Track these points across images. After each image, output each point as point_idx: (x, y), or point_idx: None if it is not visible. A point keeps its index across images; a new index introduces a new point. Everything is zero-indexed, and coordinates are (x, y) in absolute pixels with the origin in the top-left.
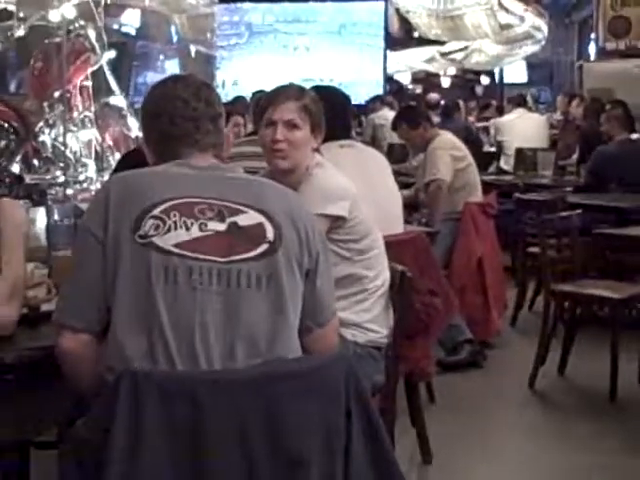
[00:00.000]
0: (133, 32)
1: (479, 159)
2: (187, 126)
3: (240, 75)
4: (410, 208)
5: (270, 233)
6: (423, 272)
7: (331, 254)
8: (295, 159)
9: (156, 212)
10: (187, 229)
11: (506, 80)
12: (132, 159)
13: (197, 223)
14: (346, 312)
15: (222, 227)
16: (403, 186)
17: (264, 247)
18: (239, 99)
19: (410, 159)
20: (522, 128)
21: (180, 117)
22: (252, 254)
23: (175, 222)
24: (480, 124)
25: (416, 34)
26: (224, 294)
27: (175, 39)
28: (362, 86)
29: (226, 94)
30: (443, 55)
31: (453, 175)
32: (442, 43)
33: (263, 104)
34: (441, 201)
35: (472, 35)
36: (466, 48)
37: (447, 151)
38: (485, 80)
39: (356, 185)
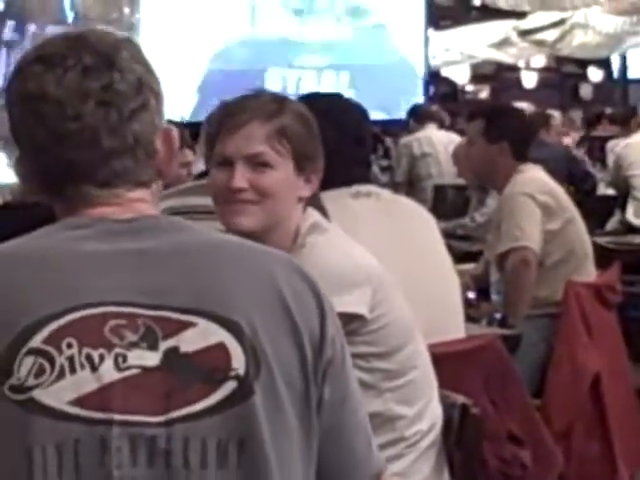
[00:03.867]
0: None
1: (590, 209)
2: (63, 149)
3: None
4: (477, 296)
5: (238, 359)
6: (500, 405)
7: None
8: (267, 216)
9: (36, 342)
10: (93, 369)
11: (631, 75)
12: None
13: (111, 355)
14: None
15: (154, 359)
16: (462, 258)
17: (229, 388)
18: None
19: (472, 210)
20: None
21: (51, 134)
22: (206, 404)
23: (71, 359)
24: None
25: (477, 1)
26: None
27: (70, 18)
28: (388, 88)
29: None
30: (524, 35)
31: (544, 240)
32: (521, 15)
33: (212, 129)
34: (528, 284)
35: (571, 0)
36: (562, 22)
37: (536, 198)
38: (596, 75)
39: (382, 261)
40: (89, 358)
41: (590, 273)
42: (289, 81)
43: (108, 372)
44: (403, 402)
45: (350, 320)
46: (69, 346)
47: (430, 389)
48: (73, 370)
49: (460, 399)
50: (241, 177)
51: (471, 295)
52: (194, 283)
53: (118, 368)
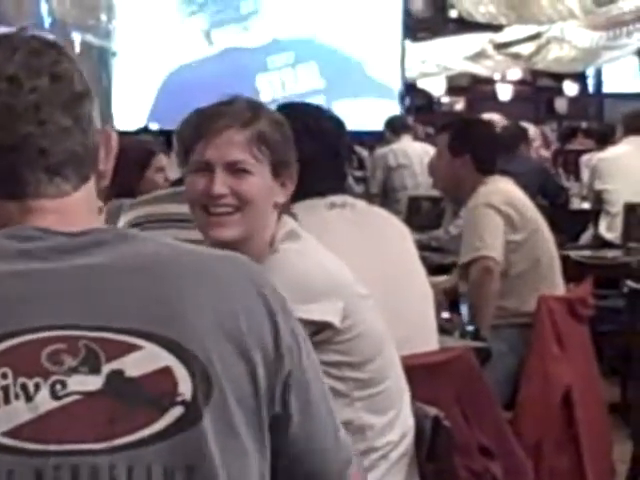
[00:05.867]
0: None
1: (564, 223)
2: (20, 125)
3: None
4: (449, 306)
5: (185, 384)
6: (471, 417)
7: None
8: (248, 225)
9: None
10: (28, 399)
11: (607, 89)
12: None
13: (47, 384)
14: None
15: (95, 383)
16: (435, 269)
17: (175, 414)
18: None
19: (445, 223)
20: (638, 170)
21: (5, 109)
22: (152, 430)
23: (6, 388)
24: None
25: (454, 13)
26: None
27: (47, 22)
28: (363, 100)
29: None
30: (500, 48)
31: (507, 250)
32: (498, 28)
33: (187, 136)
34: (492, 293)
35: (548, 14)
36: (538, 36)
37: (498, 209)
38: (571, 89)
39: (355, 271)
40: (24, 388)
41: (557, 284)
42: (275, 84)
43: (44, 401)
44: (373, 411)
45: (320, 329)
46: (4, 376)
47: (401, 400)
48: (7, 401)
49: (432, 411)
50: (222, 183)
51: (445, 315)
52: (140, 302)
53: (56, 396)
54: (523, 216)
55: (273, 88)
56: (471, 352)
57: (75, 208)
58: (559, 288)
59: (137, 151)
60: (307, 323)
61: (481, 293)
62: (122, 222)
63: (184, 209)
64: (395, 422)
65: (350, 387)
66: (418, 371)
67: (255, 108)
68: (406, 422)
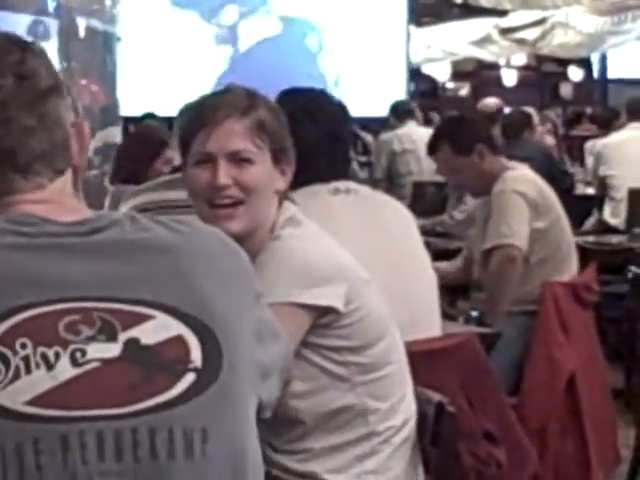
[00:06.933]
0: None
1: (568, 208)
2: None
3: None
4: (453, 292)
5: (196, 352)
6: (475, 403)
7: (313, 369)
8: (253, 215)
9: None
10: (49, 367)
11: (611, 74)
12: None
13: (67, 352)
14: (339, 477)
15: (114, 350)
16: (439, 255)
17: (189, 379)
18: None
19: (450, 208)
20: None
21: None
22: (170, 395)
23: (26, 358)
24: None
25: None
26: (131, 474)
27: (52, 7)
28: (368, 85)
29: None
30: (505, 33)
31: (530, 239)
32: (503, 13)
33: (187, 127)
34: (512, 282)
35: (553, 0)
36: (543, 21)
37: (526, 197)
38: (576, 74)
39: (359, 257)
40: (44, 357)
41: (573, 271)
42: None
43: (64, 369)
44: (376, 396)
45: (323, 313)
46: (23, 346)
47: (404, 385)
48: (28, 370)
49: (436, 397)
50: (225, 174)
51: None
52: (147, 275)
53: (76, 364)
54: (547, 204)
55: (329, 71)
56: (476, 338)
57: (54, 198)
58: (572, 274)
59: (150, 140)
60: (312, 308)
61: (501, 281)
62: (123, 209)
63: (183, 195)
64: (398, 407)
65: (352, 371)
66: (423, 357)
67: (252, 96)
68: (409, 407)
